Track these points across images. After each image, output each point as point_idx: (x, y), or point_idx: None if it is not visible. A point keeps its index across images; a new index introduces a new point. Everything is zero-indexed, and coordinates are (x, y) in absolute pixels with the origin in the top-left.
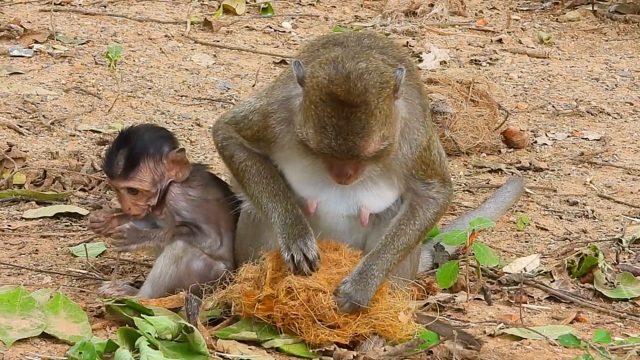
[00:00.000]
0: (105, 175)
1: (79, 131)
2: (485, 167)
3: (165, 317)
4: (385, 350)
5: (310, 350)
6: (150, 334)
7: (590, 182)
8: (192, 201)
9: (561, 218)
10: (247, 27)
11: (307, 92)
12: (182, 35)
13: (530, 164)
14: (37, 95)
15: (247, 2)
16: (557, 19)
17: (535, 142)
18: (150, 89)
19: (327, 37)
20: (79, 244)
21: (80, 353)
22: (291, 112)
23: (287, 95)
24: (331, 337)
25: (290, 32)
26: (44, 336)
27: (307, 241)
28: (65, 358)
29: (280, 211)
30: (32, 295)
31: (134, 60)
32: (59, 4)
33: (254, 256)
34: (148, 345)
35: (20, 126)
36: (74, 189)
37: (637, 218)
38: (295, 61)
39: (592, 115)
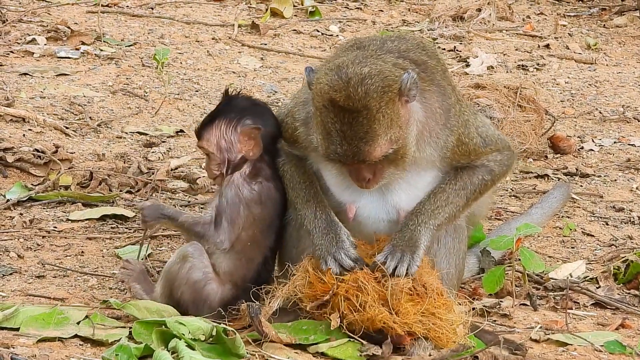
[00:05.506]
0: None
1: (126, 133)
2: (531, 172)
3: (195, 319)
4: (430, 355)
5: (358, 353)
6: (184, 335)
7: (637, 188)
8: (238, 198)
9: (607, 224)
10: (294, 30)
11: (313, 98)
12: (230, 38)
13: (576, 169)
14: (84, 96)
15: (294, 6)
16: (604, 25)
17: (582, 148)
18: (197, 91)
19: (354, 40)
20: (124, 246)
21: (117, 355)
22: (309, 115)
23: (307, 97)
24: (390, 322)
25: (337, 35)
26: (89, 340)
27: (341, 251)
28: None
29: (311, 217)
30: (67, 315)
31: (181, 63)
32: (107, 5)
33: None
34: (186, 345)
35: (67, 127)
36: (120, 191)
37: None
38: (307, 67)
39: (638, 121)
